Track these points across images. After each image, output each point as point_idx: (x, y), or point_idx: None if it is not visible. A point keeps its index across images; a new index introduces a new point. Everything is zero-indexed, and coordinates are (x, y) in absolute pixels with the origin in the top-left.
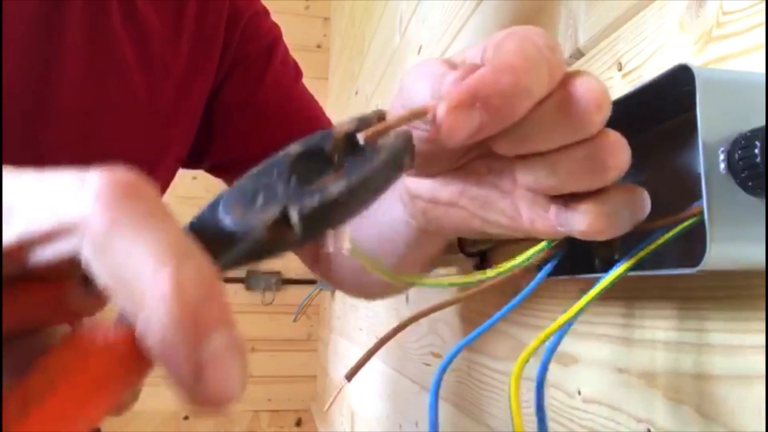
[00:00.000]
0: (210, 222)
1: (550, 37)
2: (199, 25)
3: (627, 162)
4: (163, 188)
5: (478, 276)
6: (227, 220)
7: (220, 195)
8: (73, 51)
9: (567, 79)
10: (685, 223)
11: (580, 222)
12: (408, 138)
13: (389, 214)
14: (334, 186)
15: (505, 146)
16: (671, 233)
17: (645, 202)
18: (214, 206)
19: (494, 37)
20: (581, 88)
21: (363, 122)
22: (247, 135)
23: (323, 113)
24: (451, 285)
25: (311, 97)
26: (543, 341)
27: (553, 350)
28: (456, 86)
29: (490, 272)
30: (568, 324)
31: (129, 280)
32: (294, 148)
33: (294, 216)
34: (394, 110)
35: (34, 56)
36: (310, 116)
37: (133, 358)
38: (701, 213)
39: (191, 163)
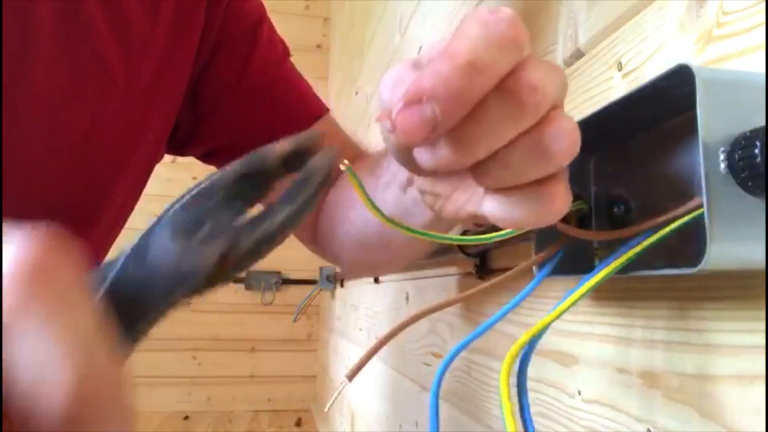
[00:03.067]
0: (150, 252)
1: (508, 13)
2: (178, 4)
3: (573, 148)
4: (146, 168)
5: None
6: (171, 249)
7: (161, 217)
8: (45, 32)
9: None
10: (685, 218)
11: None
12: (333, 155)
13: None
14: (274, 219)
15: (487, 182)
16: (670, 227)
17: (554, 199)
18: (155, 230)
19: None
20: (556, 133)
21: (299, 144)
22: (235, 117)
23: (312, 91)
24: (435, 238)
25: (299, 75)
26: (531, 337)
27: (532, 348)
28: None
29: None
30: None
31: (28, 377)
32: (232, 169)
33: (237, 252)
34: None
35: (6, 39)
36: (300, 96)
37: None
38: (700, 207)
39: (181, 149)
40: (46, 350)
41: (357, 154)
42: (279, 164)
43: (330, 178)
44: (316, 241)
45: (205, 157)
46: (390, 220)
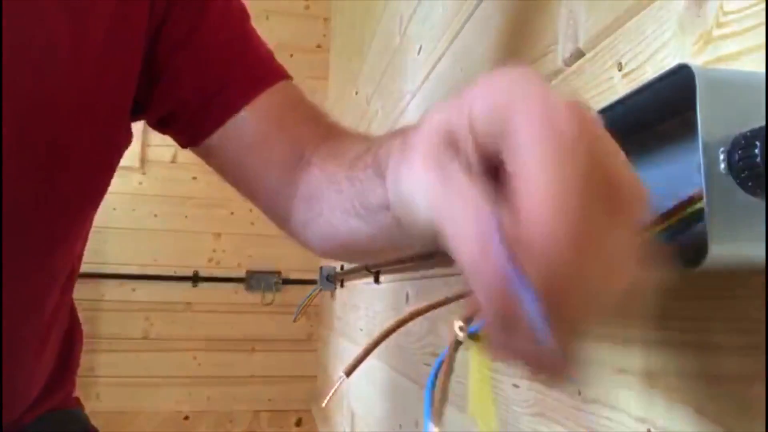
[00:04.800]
0: None
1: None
2: None
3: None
4: (108, 141)
5: None
6: None
7: None
8: None
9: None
10: (686, 210)
11: None
12: None
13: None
14: None
15: None
16: (670, 219)
17: None
18: None
19: (503, 104)
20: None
21: None
22: (186, 79)
23: (272, 57)
24: None
25: (259, 39)
26: None
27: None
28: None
29: None
30: None
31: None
32: None
33: None
34: None
35: None
36: (257, 59)
37: None
38: (701, 199)
39: (138, 115)
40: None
41: (327, 133)
42: None
43: None
44: (287, 226)
45: (158, 126)
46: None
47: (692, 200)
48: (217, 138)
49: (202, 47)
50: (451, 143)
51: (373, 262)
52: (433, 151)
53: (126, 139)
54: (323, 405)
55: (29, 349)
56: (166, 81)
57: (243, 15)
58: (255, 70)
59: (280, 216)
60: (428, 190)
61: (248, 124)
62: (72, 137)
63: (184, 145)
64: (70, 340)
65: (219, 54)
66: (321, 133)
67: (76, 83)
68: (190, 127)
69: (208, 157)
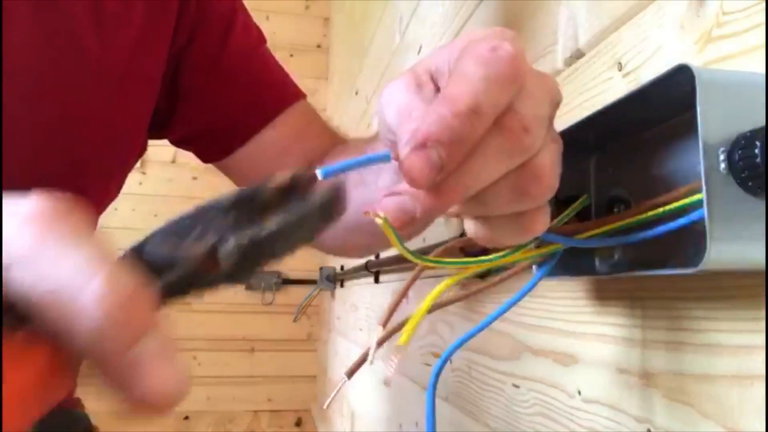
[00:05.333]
0: (142, 253)
1: (508, 51)
2: None
3: (549, 190)
4: (128, 153)
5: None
6: (159, 251)
7: (155, 230)
8: (20, 13)
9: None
10: (685, 200)
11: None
12: (336, 189)
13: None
14: (266, 225)
15: (466, 212)
16: (670, 207)
17: (532, 227)
18: (148, 239)
19: (459, 48)
20: (535, 178)
21: (297, 179)
22: (211, 101)
23: (289, 78)
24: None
25: (276, 62)
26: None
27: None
28: (411, 134)
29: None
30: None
31: (58, 288)
32: (228, 195)
33: (224, 249)
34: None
35: None
36: (274, 81)
37: (54, 368)
38: (699, 193)
39: (159, 132)
40: (75, 266)
41: (335, 141)
42: (276, 195)
43: (328, 208)
44: None
45: (181, 143)
46: (428, 260)
47: (692, 191)
48: (238, 155)
49: (225, 71)
50: (432, 79)
51: (366, 251)
52: (416, 77)
53: (142, 150)
54: (324, 407)
55: None
56: (189, 103)
57: (261, 39)
58: (275, 93)
59: None
60: (400, 96)
61: (268, 141)
62: (92, 148)
63: (205, 161)
64: None
65: (241, 77)
66: (331, 141)
67: (104, 95)
68: (213, 146)
69: (227, 170)
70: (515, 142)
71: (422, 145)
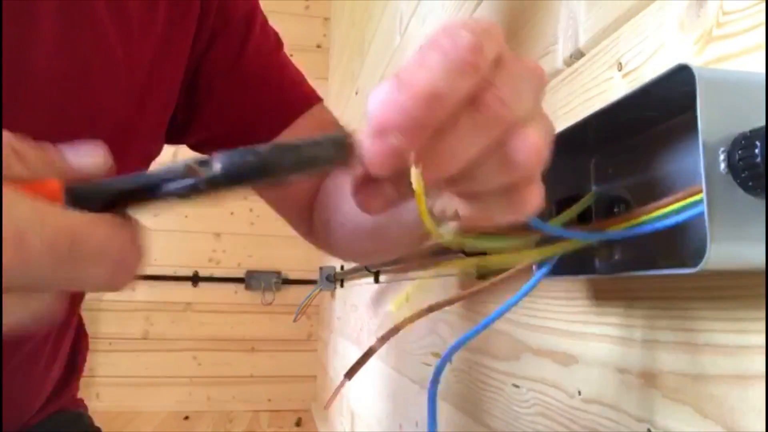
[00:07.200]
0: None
1: (467, 39)
2: None
3: (537, 158)
4: (146, 156)
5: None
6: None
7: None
8: (47, 17)
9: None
10: (684, 201)
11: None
12: (346, 136)
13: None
14: (262, 145)
15: (456, 190)
16: (671, 207)
17: (525, 202)
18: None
19: (429, 40)
20: (521, 145)
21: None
22: (230, 105)
23: (306, 82)
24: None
25: (293, 65)
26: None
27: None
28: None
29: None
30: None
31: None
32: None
33: (217, 163)
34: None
35: (7, 24)
36: (292, 85)
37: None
38: (699, 193)
39: (177, 138)
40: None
41: None
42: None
43: (334, 145)
44: (312, 231)
45: (198, 147)
46: (433, 223)
47: (692, 192)
48: None
49: (244, 76)
50: None
51: (385, 255)
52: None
53: (158, 152)
54: (325, 408)
55: (39, 363)
56: (209, 107)
57: (278, 43)
58: (292, 96)
59: (305, 225)
60: (382, 94)
61: None
62: (121, 147)
63: None
64: (77, 347)
65: (260, 81)
66: None
67: (128, 99)
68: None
69: None
70: (491, 113)
71: (381, 133)
